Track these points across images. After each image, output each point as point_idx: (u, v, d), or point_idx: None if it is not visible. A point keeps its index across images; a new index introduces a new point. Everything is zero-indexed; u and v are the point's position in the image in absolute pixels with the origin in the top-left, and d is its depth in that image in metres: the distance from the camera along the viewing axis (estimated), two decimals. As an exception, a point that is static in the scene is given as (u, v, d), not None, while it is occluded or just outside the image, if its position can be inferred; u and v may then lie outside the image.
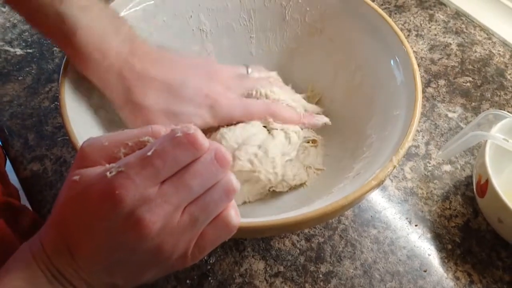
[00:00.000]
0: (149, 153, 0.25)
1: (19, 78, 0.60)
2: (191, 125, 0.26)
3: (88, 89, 0.44)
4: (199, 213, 0.27)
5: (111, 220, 0.25)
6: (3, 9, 0.68)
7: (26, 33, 0.65)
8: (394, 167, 0.37)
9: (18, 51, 0.63)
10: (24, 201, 0.52)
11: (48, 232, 0.28)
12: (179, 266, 0.29)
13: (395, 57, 0.46)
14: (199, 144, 0.26)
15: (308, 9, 0.53)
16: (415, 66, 0.43)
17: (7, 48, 0.64)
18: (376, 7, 0.48)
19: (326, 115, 0.51)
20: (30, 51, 0.63)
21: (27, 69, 0.61)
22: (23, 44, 0.64)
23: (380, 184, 0.37)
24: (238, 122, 0.45)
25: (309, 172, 0.49)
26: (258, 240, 0.47)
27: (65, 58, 0.43)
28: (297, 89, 0.53)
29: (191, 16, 0.53)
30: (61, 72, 0.42)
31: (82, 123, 0.41)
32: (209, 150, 0.27)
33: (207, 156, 0.27)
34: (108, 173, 0.25)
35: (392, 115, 0.43)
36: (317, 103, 0.54)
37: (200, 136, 0.26)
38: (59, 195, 0.27)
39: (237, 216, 0.29)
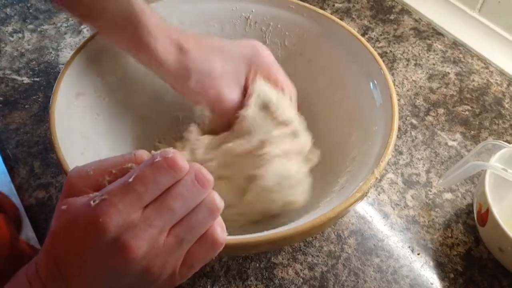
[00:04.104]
0: (130, 180, 0.26)
1: (26, 106, 0.61)
2: (170, 149, 0.27)
3: (78, 117, 0.45)
4: (185, 233, 0.28)
5: (97, 247, 0.26)
6: (11, 38, 0.69)
7: (34, 62, 0.66)
8: (376, 179, 0.39)
9: (25, 80, 0.64)
10: (29, 229, 0.52)
11: (42, 257, 0.28)
12: (169, 286, 0.30)
13: (371, 76, 0.48)
14: (178, 167, 0.27)
15: (287, 33, 0.55)
16: (391, 84, 0.46)
17: (14, 76, 0.65)
18: (351, 29, 0.51)
19: (311, 132, 0.53)
20: (37, 79, 0.64)
21: (34, 97, 0.62)
22: (30, 73, 0.65)
23: (363, 196, 0.39)
24: None
25: None
26: (262, 269, 0.47)
27: (54, 88, 0.44)
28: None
29: None
30: (50, 101, 0.43)
31: (72, 151, 0.42)
32: (189, 172, 0.28)
33: (187, 178, 0.27)
34: (92, 202, 0.26)
35: (371, 131, 0.45)
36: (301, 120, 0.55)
37: (179, 159, 0.27)
38: (51, 223, 0.28)
39: (223, 233, 0.30)
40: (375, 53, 0.48)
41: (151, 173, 0.26)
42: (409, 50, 0.70)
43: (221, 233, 0.29)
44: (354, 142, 0.47)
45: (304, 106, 0.55)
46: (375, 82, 0.48)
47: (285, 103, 0.48)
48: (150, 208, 0.27)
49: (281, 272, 0.47)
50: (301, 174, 0.45)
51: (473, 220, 0.51)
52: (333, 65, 0.52)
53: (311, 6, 0.53)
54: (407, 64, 0.68)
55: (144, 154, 0.29)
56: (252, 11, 0.55)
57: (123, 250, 0.26)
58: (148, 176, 0.26)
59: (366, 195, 0.40)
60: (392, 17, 0.75)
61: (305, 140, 0.47)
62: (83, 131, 0.45)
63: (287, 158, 0.45)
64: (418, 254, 0.49)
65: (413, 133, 0.60)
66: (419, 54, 0.69)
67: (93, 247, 0.26)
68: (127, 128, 0.52)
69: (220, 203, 0.29)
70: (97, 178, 0.28)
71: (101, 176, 0.28)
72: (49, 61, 0.67)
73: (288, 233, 0.36)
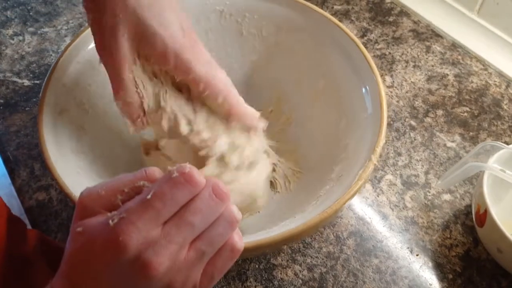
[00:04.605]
0: (148, 196, 0.26)
1: (26, 108, 0.62)
2: (187, 164, 0.27)
3: (66, 134, 0.45)
4: (206, 247, 0.28)
5: (117, 266, 0.26)
6: (12, 41, 0.70)
7: (34, 65, 0.67)
8: (374, 165, 0.40)
9: (26, 82, 0.65)
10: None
11: (58, 283, 0.28)
12: None
13: (354, 61, 0.48)
14: (195, 182, 0.27)
15: (264, 23, 0.55)
16: (374, 68, 0.46)
17: (15, 79, 0.65)
18: (329, 15, 0.51)
19: (296, 121, 0.54)
20: (38, 82, 0.65)
21: (34, 99, 0.63)
22: (31, 75, 0.65)
23: (364, 183, 0.40)
24: None
25: (288, 174, 0.51)
26: (261, 270, 0.47)
27: (38, 109, 0.44)
28: (264, 99, 0.55)
29: None
30: (37, 120, 0.43)
31: (68, 170, 0.42)
32: (206, 186, 0.28)
33: (205, 192, 0.27)
34: (110, 221, 0.26)
35: (362, 118, 0.46)
36: (285, 110, 0.56)
37: (196, 173, 0.27)
38: (66, 247, 0.28)
39: (241, 240, 0.30)
40: (353, 35, 0.49)
41: (169, 189, 0.26)
42: (408, 52, 0.70)
43: (239, 241, 0.29)
44: (344, 129, 0.48)
45: (284, 95, 0.56)
46: (358, 67, 0.48)
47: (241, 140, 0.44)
48: (169, 224, 0.26)
49: (280, 273, 0.47)
50: (261, 183, 0.45)
51: (471, 221, 0.51)
52: (313, 53, 0.52)
53: None
54: (406, 66, 0.68)
55: (155, 171, 0.29)
56: (226, 3, 0.54)
57: (145, 268, 0.26)
58: (166, 192, 0.26)
59: (366, 182, 0.41)
60: (391, 19, 0.75)
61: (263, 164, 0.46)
62: (73, 149, 0.45)
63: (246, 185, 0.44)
64: (417, 255, 0.49)
65: (412, 135, 0.60)
66: (418, 55, 0.70)
67: (113, 266, 0.26)
68: (115, 139, 0.51)
69: (238, 215, 0.29)
70: (109, 198, 0.28)
71: (114, 196, 0.28)
72: (49, 63, 0.67)
73: (300, 228, 0.36)
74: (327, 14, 0.51)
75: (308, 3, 0.52)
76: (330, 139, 0.49)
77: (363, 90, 0.47)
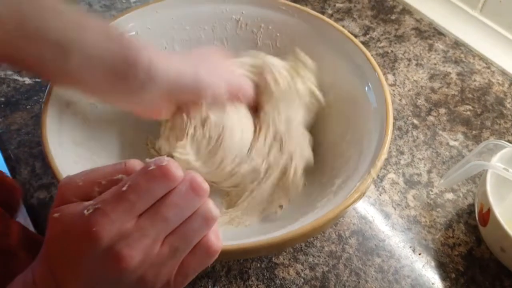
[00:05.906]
0: (124, 188, 0.26)
1: (27, 107, 0.61)
2: (165, 157, 0.27)
3: (71, 125, 0.45)
4: (179, 243, 0.27)
5: (91, 256, 0.26)
6: (13, 39, 0.70)
7: (35, 63, 0.67)
8: (373, 179, 0.39)
9: (27, 80, 0.65)
10: (31, 228, 0.53)
11: (38, 265, 0.28)
12: None
13: (365, 76, 0.48)
14: (172, 176, 0.27)
15: (278, 34, 0.55)
16: (384, 83, 0.46)
17: (16, 77, 0.65)
18: (342, 29, 0.51)
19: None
20: (39, 80, 0.64)
21: (35, 98, 0.62)
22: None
23: (361, 197, 0.39)
24: None
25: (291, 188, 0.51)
26: (263, 269, 0.47)
27: (44, 98, 0.44)
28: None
29: (165, 48, 0.54)
30: (42, 110, 0.43)
31: (66, 160, 0.41)
32: (184, 180, 0.27)
33: (181, 186, 0.27)
34: (85, 211, 0.26)
35: (366, 130, 0.45)
36: None
37: (174, 167, 0.27)
38: (46, 231, 0.28)
39: (218, 241, 0.29)
40: (368, 54, 0.48)
41: (145, 181, 0.26)
42: (410, 50, 0.70)
43: (216, 241, 0.29)
44: (349, 141, 0.48)
45: None
46: (368, 81, 0.48)
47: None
48: (144, 217, 0.26)
49: (282, 272, 0.47)
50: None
51: (474, 220, 0.51)
52: (325, 65, 0.52)
53: (302, 7, 0.53)
54: (409, 64, 0.68)
55: (135, 164, 0.28)
56: (242, 13, 0.54)
57: (117, 259, 0.26)
58: (141, 185, 0.26)
59: (363, 195, 0.40)
60: (393, 17, 0.75)
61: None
62: (76, 140, 0.45)
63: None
64: (420, 254, 0.49)
65: (414, 133, 0.60)
66: (421, 54, 0.69)
67: (87, 256, 0.26)
68: (120, 134, 0.51)
69: (215, 212, 0.28)
70: (86, 189, 0.28)
71: (91, 187, 0.28)
72: (50, 61, 0.67)
73: (287, 236, 0.36)
74: (341, 27, 0.51)
75: (321, 15, 0.52)
76: (336, 151, 0.49)
77: (372, 102, 0.46)
